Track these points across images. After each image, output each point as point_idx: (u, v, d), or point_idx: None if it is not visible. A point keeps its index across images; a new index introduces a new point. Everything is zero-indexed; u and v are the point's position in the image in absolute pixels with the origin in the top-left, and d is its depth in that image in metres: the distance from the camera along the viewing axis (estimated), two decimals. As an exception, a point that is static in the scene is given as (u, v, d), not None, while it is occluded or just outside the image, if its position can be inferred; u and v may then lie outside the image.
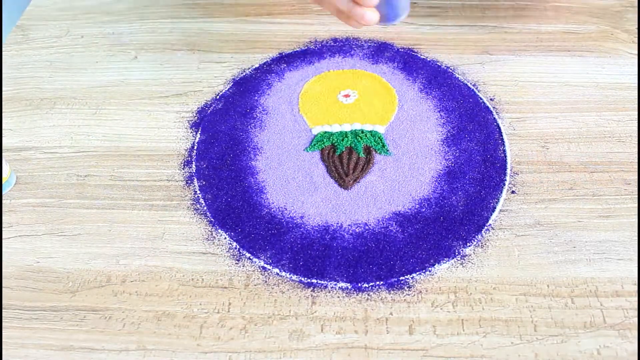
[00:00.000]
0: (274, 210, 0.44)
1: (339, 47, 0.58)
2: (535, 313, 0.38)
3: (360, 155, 0.47)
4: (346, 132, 0.49)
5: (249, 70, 0.56)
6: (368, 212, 0.43)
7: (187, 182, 0.46)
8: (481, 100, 0.52)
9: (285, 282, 0.40)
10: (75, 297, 0.39)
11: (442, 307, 0.38)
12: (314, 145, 0.48)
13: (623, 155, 0.47)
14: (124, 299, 0.39)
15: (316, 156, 0.48)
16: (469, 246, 0.41)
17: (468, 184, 0.45)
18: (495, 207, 0.44)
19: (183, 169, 0.47)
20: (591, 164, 0.47)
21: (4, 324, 0.38)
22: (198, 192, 0.46)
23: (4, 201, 0.45)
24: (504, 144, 0.48)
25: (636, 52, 0.57)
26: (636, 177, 0.46)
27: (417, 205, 0.44)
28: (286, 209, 0.44)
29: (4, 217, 0.44)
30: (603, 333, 0.37)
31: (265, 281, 0.40)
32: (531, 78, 0.54)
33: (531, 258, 0.41)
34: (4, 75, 0.56)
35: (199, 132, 0.50)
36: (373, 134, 0.49)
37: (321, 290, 0.39)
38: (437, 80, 0.54)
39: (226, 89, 0.54)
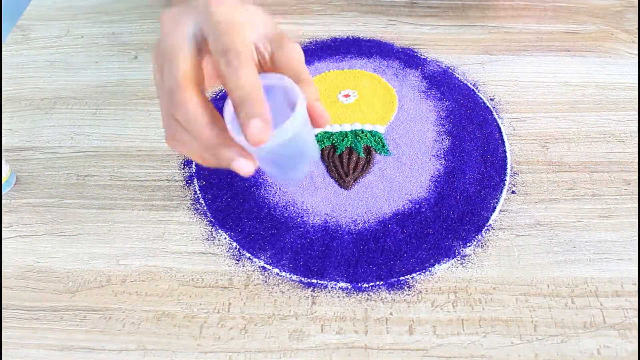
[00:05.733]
0: (274, 210, 0.44)
1: (339, 47, 0.58)
2: (535, 313, 0.38)
3: (360, 155, 0.47)
4: (346, 132, 0.49)
5: (249, 70, 0.56)
6: (368, 212, 0.43)
7: (187, 182, 0.46)
8: (481, 100, 0.52)
9: (285, 282, 0.40)
10: (75, 297, 0.39)
11: (442, 307, 0.38)
12: (314, 145, 0.48)
13: (623, 155, 0.47)
14: (124, 299, 0.39)
15: (316, 156, 0.48)
16: (469, 246, 0.41)
17: (468, 184, 0.45)
18: (495, 207, 0.44)
19: (183, 169, 0.47)
20: (591, 164, 0.47)
21: (4, 324, 0.38)
22: (198, 192, 0.46)
23: (4, 201, 0.45)
24: (504, 144, 0.48)
25: (636, 52, 0.57)
26: (636, 177, 0.46)
27: (417, 205, 0.44)
28: (286, 209, 0.44)
29: (4, 217, 0.44)
30: (603, 333, 0.37)
31: (265, 281, 0.40)
32: (531, 78, 0.54)
33: (531, 258, 0.41)
34: (4, 75, 0.56)
35: (199, 132, 0.50)
36: (373, 134, 0.49)
37: (321, 290, 0.39)
38: (437, 80, 0.54)
39: (226, 89, 0.54)
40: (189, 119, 0.30)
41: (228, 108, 0.30)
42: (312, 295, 0.39)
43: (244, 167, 0.30)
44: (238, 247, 0.42)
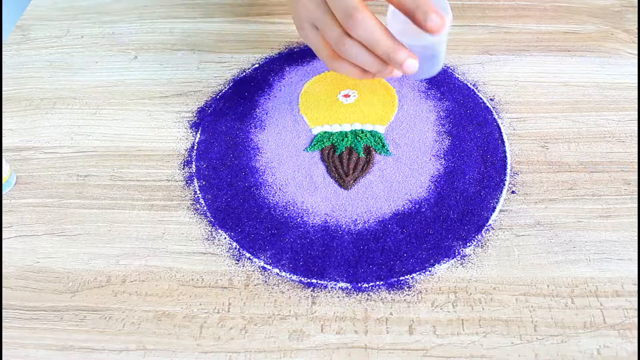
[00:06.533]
0: (274, 210, 0.44)
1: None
2: (535, 313, 0.38)
3: (360, 155, 0.47)
4: (346, 132, 0.49)
5: (249, 70, 0.56)
6: (368, 212, 0.43)
7: (187, 182, 0.46)
8: (481, 100, 0.52)
9: (285, 282, 0.40)
10: (75, 297, 0.39)
11: (442, 307, 0.38)
12: (314, 145, 0.48)
13: (623, 155, 0.47)
14: (124, 299, 0.39)
15: (316, 156, 0.48)
16: (469, 246, 0.41)
17: (468, 184, 0.45)
18: (495, 207, 0.44)
19: (183, 169, 0.47)
20: (591, 164, 0.47)
21: (4, 324, 0.38)
22: (198, 192, 0.46)
23: (4, 201, 0.45)
24: (504, 144, 0.48)
25: (636, 52, 0.57)
26: (636, 177, 0.46)
27: (417, 205, 0.44)
28: (286, 209, 0.44)
29: (4, 217, 0.44)
30: (603, 333, 0.37)
31: (265, 281, 0.40)
32: (531, 78, 0.54)
33: (531, 258, 0.41)
34: (4, 75, 0.56)
35: (199, 132, 0.50)
36: (373, 134, 0.49)
37: (321, 290, 0.39)
38: (437, 80, 0.54)
39: (226, 89, 0.54)
40: (372, 31, 0.37)
41: (391, 25, 0.39)
42: (312, 295, 0.39)
43: (412, 65, 0.38)
44: (238, 247, 0.42)
